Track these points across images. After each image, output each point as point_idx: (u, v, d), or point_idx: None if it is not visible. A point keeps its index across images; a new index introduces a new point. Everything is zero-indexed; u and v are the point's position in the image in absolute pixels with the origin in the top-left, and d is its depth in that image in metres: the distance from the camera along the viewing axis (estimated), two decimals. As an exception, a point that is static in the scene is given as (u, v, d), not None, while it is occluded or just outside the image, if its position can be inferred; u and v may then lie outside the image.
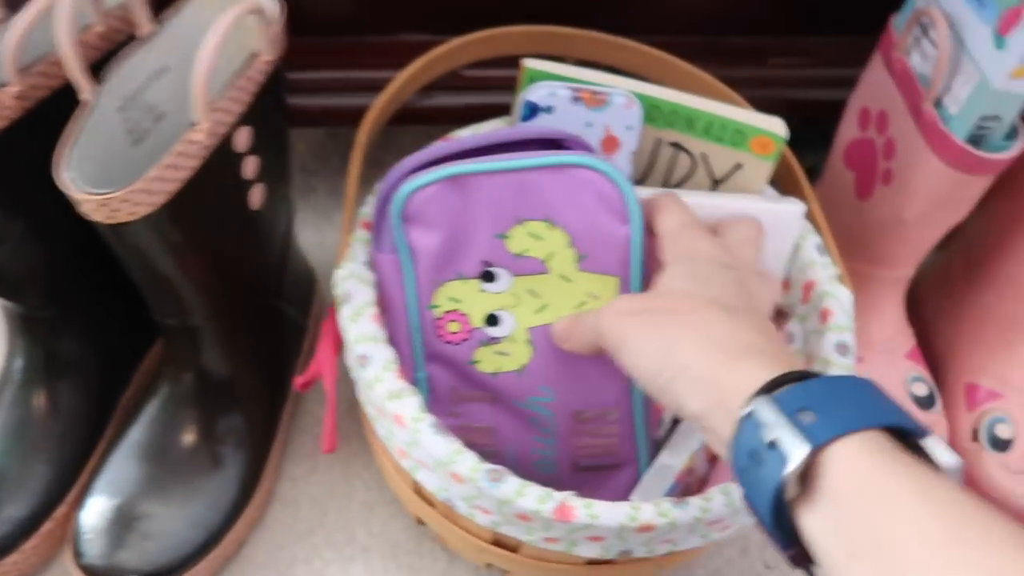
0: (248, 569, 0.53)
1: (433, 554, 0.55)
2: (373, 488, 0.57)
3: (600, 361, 0.41)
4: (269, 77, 0.45)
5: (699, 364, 0.34)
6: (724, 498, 0.41)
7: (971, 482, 0.59)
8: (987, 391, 0.61)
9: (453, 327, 0.45)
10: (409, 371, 0.45)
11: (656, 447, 0.49)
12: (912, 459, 0.28)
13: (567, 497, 0.39)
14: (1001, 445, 0.59)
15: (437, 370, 0.45)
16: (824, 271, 0.49)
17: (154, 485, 0.50)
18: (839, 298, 0.48)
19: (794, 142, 0.50)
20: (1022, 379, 0.61)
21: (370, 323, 0.43)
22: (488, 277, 0.44)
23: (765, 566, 0.57)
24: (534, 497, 0.39)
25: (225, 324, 0.48)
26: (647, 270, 0.44)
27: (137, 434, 0.50)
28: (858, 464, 0.28)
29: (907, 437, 0.29)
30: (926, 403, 0.61)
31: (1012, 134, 0.52)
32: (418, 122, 0.63)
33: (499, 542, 0.46)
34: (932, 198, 0.54)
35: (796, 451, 0.28)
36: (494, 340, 0.45)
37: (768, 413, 0.30)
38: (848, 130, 0.61)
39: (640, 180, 0.51)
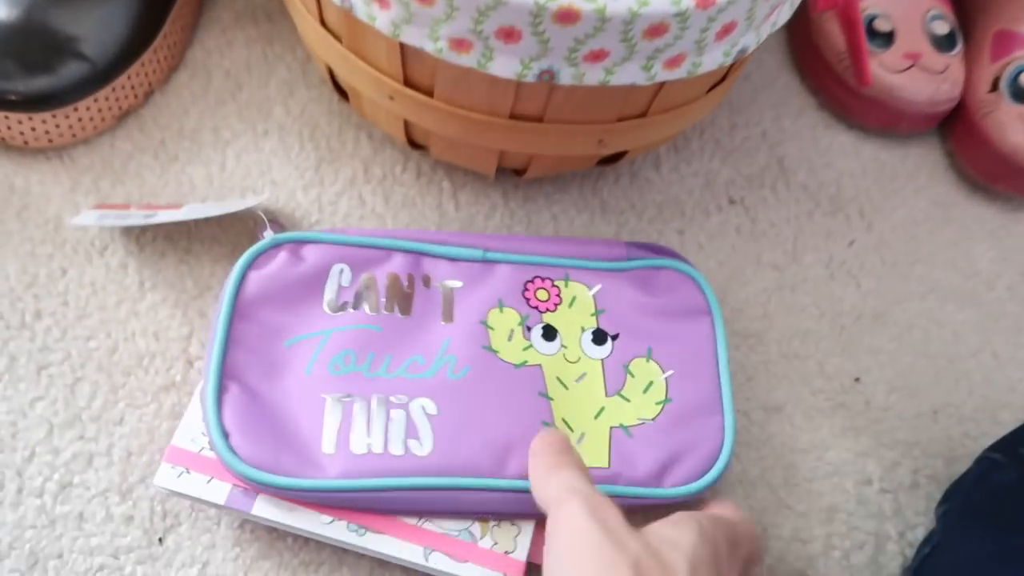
0: (148, 126, 0.47)
1: (357, 140, 0.49)
2: (296, 71, 0.50)
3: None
4: None
5: None
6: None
7: (982, 135, 0.52)
8: (1020, 38, 0.52)
9: None
10: None
11: None
12: None
13: None
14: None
15: None
16: None
17: (41, 7, 0.43)
18: None
19: None
20: (1065, 22, 0.52)
21: None
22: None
23: (729, 200, 0.51)
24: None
25: None
26: None
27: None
28: None
29: None
30: (946, 44, 0.52)
31: None
32: None
33: (410, 81, 0.40)
34: None
35: None
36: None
37: None
38: None
39: None
